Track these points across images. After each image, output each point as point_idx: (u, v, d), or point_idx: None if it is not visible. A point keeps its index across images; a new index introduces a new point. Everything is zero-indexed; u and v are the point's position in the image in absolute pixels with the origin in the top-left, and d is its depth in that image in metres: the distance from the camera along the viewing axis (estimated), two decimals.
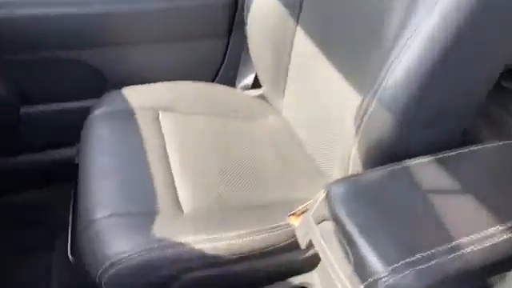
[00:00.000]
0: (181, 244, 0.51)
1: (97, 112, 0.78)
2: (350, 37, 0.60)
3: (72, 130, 0.79)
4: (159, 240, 0.51)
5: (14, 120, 0.91)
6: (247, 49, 0.90)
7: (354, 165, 0.52)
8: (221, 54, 1.00)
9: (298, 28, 0.75)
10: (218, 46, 0.99)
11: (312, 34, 0.71)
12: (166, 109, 0.81)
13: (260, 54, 0.86)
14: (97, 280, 0.52)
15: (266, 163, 0.75)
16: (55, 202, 0.82)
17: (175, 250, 0.52)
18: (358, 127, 0.50)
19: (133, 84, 0.84)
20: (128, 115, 0.77)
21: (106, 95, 0.82)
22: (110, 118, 0.76)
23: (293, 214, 0.53)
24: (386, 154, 0.48)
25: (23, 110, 0.90)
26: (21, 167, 0.96)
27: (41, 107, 0.92)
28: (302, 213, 0.54)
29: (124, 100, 0.79)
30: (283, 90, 0.86)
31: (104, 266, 0.51)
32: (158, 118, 0.79)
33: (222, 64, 1.02)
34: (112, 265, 0.50)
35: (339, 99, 0.62)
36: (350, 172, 0.54)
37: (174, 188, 0.62)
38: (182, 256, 0.52)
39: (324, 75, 0.67)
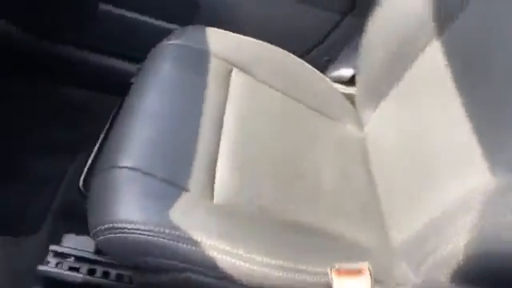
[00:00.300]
0: (196, 243, 0.42)
1: (171, 41, 0.68)
2: None
3: (142, 48, 0.71)
4: (174, 227, 0.42)
5: (91, 14, 0.84)
6: (359, 37, 0.75)
7: (439, 261, 0.38)
8: (325, 31, 0.85)
9: (439, 39, 0.58)
10: (327, 21, 0.84)
11: (455, 52, 0.54)
12: (243, 68, 0.69)
13: (373, 47, 0.70)
14: (91, 234, 0.44)
15: (325, 178, 0.63)
16: (102, 113, 0.76)
17: (187, 248, 0.42)
18: (483, 222, 0.34)
19: (221, 26, 0.72)
20: (201, 58, 0.66)
21: (189, 27, 0.71)
22: (181, 53, 0.66)
23: (337, 270, 0.42)
24: (489, 273, 0.33)
25: (102, 7, 0.83)
26: (84, 64, 0.91)
27: (120, 11, 0.84)
28: (348, 273, 0.42)
29: (204, 40, 0.69)
30: (380, 101, 0.71)
31: (104, 226, 0.43)
32: (229, 74, 0.67)
33: (321, 43, 0.87)
34: (112, 229, 0.42)
35: (458, 156, 0.46)
36: (426, 264, 0.40)
37: (214, 167, 0.52)
38: (191, 257, 0.42)
39: (450, 111, 0.51)
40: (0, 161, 0.77)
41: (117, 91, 0.71)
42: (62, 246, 0.56)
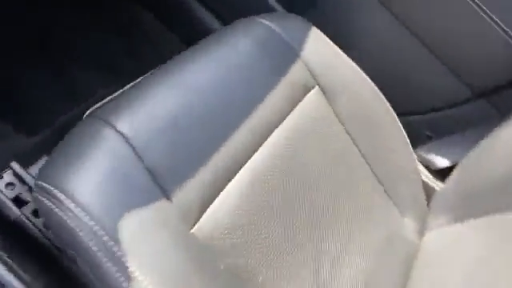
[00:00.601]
0: (129, 277, 0.29)
1: (265, 20, 0.55)
2: None
3: (237, 14, 0.59)
4: (118, 239, 0.30)
5: None
6: (483, 130, 0.57)
7: None
8: (445, 103, 0.67)
9: None
10: (454, 92, 0.66)
11: None
12: (326, 91, 0.55)
13: (498, 153, 0.52)
14: (34, 178, 0.34)
15: (344, 275, 0.47)
16: (164, 50, 0.67)
17: (115, 276, 0.30)
18: None
19: (331, 34, 0.58)
20: (287, 55, 0.53)
21: (292, 16, 0.58)
22: (268, 38, 0.53)
23: None
24: None
25: None
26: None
27: None
28: None
29: (301, 38, 0.55)
30: (464, 219, 0.53)
31: (43, 184, 0.32)
32: (308, 90, 0.54)
33: (430, 112, 0.69)
34: (47, 193, 0.31)
35: None
36: None
37: (219, 190, 0.39)
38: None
39: None
40: (55, 56, 0.73)
41: (189, 40, 0.63)
42: (25, 170, 0.47)
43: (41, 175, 0.33)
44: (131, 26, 0.85)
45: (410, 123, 0.66)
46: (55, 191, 0.31)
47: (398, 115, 0.62)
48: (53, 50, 0.75)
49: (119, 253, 0.30)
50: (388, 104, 0.61)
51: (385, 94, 0.60)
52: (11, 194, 0.45)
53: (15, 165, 0.46)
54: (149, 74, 0.45)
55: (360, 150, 0.57)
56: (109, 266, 0.30)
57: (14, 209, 0.44)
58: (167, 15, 0.83)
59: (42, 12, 0.74)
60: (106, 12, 0.83)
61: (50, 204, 0.31)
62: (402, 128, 0.62)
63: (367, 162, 0.57)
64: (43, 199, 0.32)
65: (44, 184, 0.32)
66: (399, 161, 0.61)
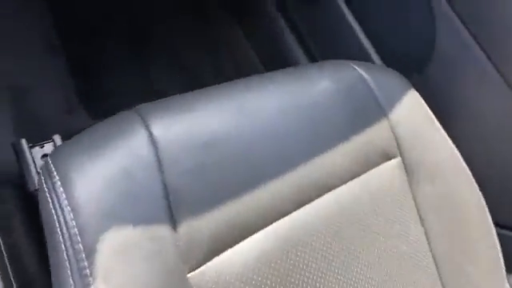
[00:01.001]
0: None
1: (360, 69, 0.48)
2: None
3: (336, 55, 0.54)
4: (92, 252, 0.24)
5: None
6: None
7: None
8: None
9: None
10: None
11: None
12: (410, 168, 0.45)
13: None
14: None
15: None
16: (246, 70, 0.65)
17: None
18: None
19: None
20: (371, 112, 0.45)
21: (394, 73, 0.50)
22: (356, 88, 0.46)
23: None
24: None
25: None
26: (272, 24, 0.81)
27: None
28: None
29: (397, 99, 0.46)
30: None
31: (50, 161, 0.28)
32: (386, 158, 0.44)
33: None
34: (51, 178, 0.27)
35: None
36: None
37: (237, 241, 0.31)
38: None
39: None
40: (146, 49, 0.76)
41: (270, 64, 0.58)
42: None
43: (54, 152, 0.30)
44: (219, 38, 0.85)
45: (509, 240, 0.51)
46: (54, 174, 0.27)
47: (496, 226, 0.48)
48: (145, 44, 0.77)
49: (86, 271, 0.24)
50: (486, 208, 0.48)
51: (484, 196, 0.48)
52: (39, 163, 0.44)
53: (57, 138, 0.45)
54: (212, 87, 0.41)
55: (433, 254, 0.45)
56: (70, 282, 0.24)
57: (35, 181, 0.42)
58: (254, 33, 0.81)
59: (147, 6, 0.79)
60: (202, 18, 0.85)
61: (45, 185, 0.27)
62: (497, 244, 0.48)
63: (438, 272, 0.45)
64: (42, 177, 0.28)
65: (50, 162, 0.28)
66: (483, 284, 0.47)
